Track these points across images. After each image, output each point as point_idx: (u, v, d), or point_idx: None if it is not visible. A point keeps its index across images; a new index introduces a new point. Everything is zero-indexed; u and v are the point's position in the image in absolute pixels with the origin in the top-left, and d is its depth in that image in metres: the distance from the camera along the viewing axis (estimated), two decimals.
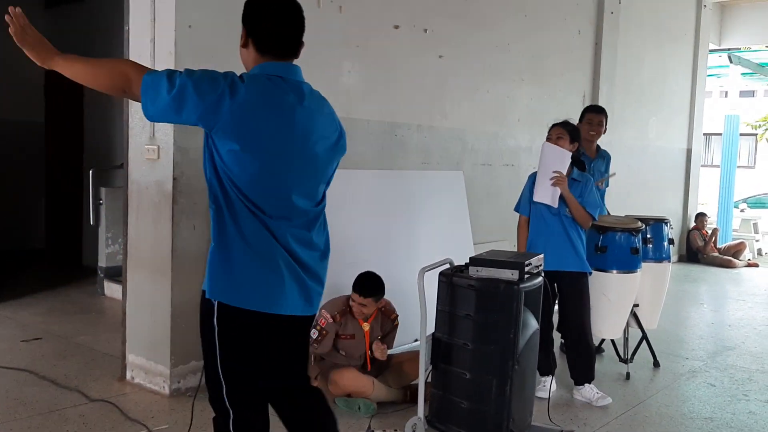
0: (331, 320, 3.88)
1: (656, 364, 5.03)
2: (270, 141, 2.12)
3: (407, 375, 3.94)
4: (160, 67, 3.95)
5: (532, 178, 4.29)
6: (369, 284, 3.91)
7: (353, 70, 4.99)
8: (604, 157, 5.19)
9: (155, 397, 4.02)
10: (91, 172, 6.79)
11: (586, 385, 4.26)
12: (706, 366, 5.16)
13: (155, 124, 4.01)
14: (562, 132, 4.18)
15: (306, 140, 2.21)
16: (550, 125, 4.31)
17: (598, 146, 5.12)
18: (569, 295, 4.21)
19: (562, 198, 4.10)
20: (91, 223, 6.70)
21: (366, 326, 3.95)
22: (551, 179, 4.06)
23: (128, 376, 4.29)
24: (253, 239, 2.15)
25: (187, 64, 3.94)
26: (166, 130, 3.97)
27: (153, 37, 4.00)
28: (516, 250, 4.57)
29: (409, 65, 5.50)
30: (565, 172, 4.09)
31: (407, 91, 5.51)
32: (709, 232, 10.79)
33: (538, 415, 3.73)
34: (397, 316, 4.10)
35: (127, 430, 3.58)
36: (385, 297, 4.06)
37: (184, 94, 2.04)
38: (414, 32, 5.49)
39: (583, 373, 4.27)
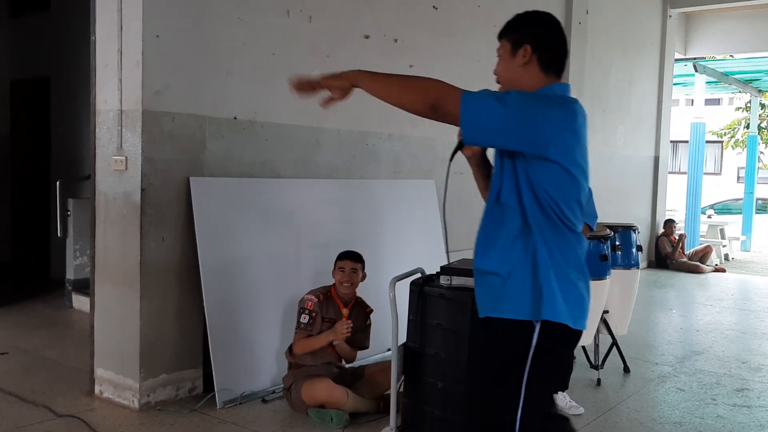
0: (316, 300, 3.94)
1: (626, 369, 5.09)
2: (581, 159, 2.13)
3: (380, 385, 3.93)
4: (128, 76, 3.93)
5: None
6: (354, 251, 4.06)
7: None
8: None
9: (124, 412, 3.96)
10: (58, 183, 6.68)
11: (559, 393, 4.28)
12: (675, 371, 5.22)
13: (123, 134, 3.97)
14: None
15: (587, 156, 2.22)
16: None
17: None
18: None
19: None
20: (59, 234, 6.60)
21: (345, 311, 4.01)
22: None
23: (96, 390, 4.21)
24: (569, 256, 2.13)
25: (156, 74, 3.93)
26: (133, 141, 3.93)
27: (120, 47, 3.96)
28: None
29: None
30: None
31: (378, 100, 5.51)
32: (678, 238, 10.96)
33: None
34: (372, 310, 4.14)
35: None
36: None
37: (522, 112, 2.00)
38: (384, 42, 5.51)
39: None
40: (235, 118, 4.41)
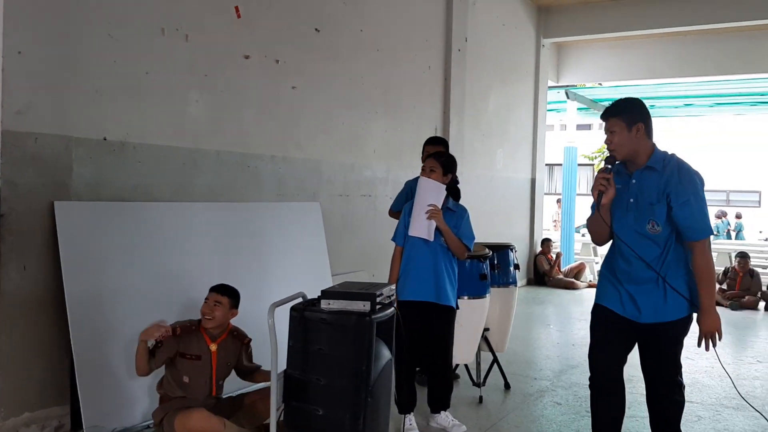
0: (171, 334, 3.62)
1: (507, 386, 5.22)
2: None
3: (260, 414, 3.80)
4: None
5: (408, 209, 4.23)
6: (226, 285, 3.79)
7: (201, 100, 4.86)
8: None
9: None
10: None
11: (442, 412, 4.31)
12: (553, 385, 5.41)
13: None
14: (434, 164, 4.15)
15: None
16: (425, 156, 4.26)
17: None
18: (438, 327, 4.18)
19: (438, 230, 4.09)
20: None
21: (213, 347, 3.72)
22: (426, 212, 4.05)
23: None
24: None
25: (18, 92, 3.71)
26: None
27: None
28: (372, 279, 4.57)
29: (262, 96, 5.45)
30: (440, 205, 4.07)
31: (260, 121, 5.45)
32: (554, 256, 11.46)
33: None
34: (250, 339, 3.93)
35: None
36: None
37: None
38: (265, 62, 5.45)
39: (440, 401, 4.31)
40: (105, 139, 4.20)
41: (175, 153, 4.68)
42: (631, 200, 3.36)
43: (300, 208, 5.79)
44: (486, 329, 4.99)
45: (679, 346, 3.39)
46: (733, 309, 9.23)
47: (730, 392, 5.34)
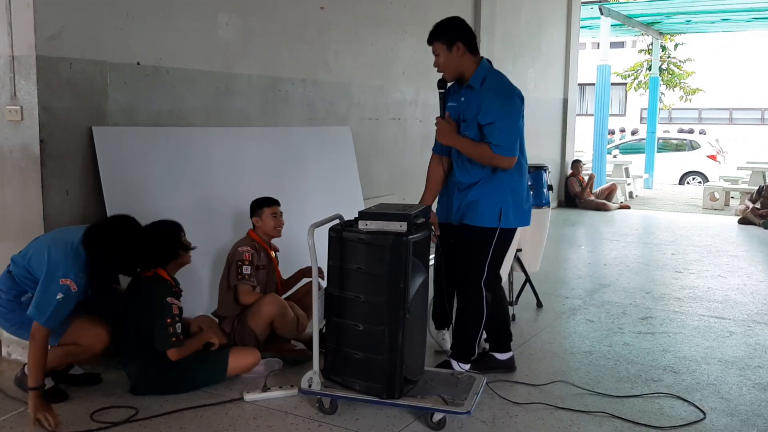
0: (252, 251, 3.99)
1: (539, 304, 5.29)
2: None
3: (308, 308, 4.01)
4: (18, 19, 3.71)
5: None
6: (271, 197, 4.17)
7: (230, 23, 4.81)
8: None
9: None
10: None
11: None
12: (585, 303, 5.47)
13: (16, 82, 3.72)
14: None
15: None
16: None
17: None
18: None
19: None
20: None
21: (273, 253, 4.14)
22: None
23: (4, 352, 4.04)
24: None
25: (48, 17, 3.71)
26: (29, 89, 3.69)
27: None
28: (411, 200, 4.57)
29: (290, 17, 5.37)
30: None
31: (289, 44, 5.38)
32: (586, 178, 11.36)
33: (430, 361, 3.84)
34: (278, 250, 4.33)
35: (6, 408, 3.39)
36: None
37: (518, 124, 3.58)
38: None
39: None
40: (139, 63, 4.20)
41: (207, 77, 4.67)
42: (460, 116, 3.59)
43: (331, 132, 5.79)
44: (519, 249, 5.03)
45: (476, 251, 3.61)
46: (765, 227, 9.12)
47: (761, 308, 5.37)
